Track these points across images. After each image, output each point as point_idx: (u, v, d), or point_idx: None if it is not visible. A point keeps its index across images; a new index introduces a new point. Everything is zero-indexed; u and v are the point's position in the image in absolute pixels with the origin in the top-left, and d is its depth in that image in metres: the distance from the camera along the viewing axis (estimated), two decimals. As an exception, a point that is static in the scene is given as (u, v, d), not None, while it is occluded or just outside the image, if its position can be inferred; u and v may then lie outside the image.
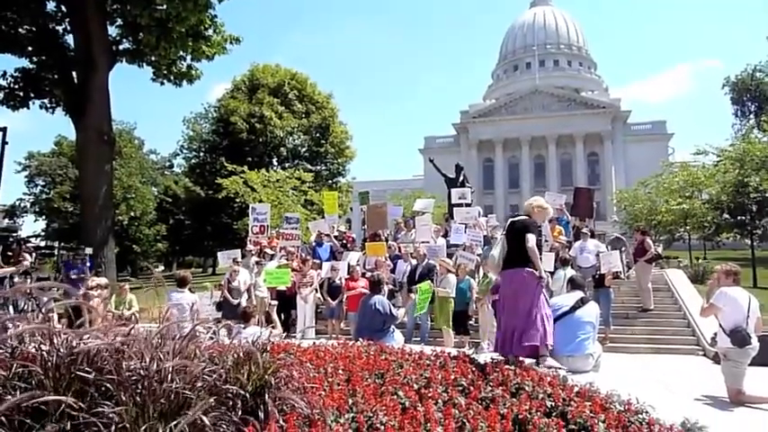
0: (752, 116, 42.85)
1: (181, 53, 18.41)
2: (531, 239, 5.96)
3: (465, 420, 3.07)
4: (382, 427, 2.87)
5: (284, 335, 9.19)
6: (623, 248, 14.41)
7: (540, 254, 6.16)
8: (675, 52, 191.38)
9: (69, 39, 18.33)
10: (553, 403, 3.49)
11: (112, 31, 18.29)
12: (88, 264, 14.42)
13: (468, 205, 15.18)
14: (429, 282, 10.59)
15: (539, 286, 5.91)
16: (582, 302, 6.71)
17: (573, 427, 3.10)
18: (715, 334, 6.22)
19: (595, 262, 11.89)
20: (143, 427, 2.45)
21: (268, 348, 3.48)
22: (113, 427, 2.44)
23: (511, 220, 6.48)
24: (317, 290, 11.70)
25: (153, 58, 18.31)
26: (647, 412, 3.40)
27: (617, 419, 3.16)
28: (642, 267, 12.88)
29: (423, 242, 13.05)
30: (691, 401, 5.56)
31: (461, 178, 17.92)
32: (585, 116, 68.48)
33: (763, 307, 8.29)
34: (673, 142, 68.54)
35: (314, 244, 14.23)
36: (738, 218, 19.27)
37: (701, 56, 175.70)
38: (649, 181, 31.49)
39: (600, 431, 2.98)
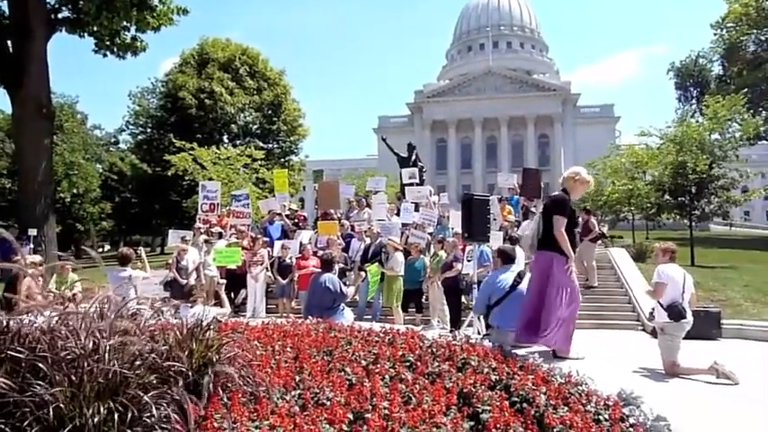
0: (694, 101, 44.40)
1: (124, 23, 17.63)
2: (557, 223, 5.64)
3: (411, 395, 3.11)
4: (328, 403, 2.87)
5: (233, 313, 9.09)
6: None
7: (573, 236, 5.80)
8: (625, 37, 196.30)
9: (3, 5, 17.29)
10: (497, 377, 3.57)
11: (51, -1, 17.34)
12: (30, 245, 13.87)
13: (419, 184, 15.26)
14: (377, 264, 10.65)
15: (567, 274, 5.71)
16: (520, 277, 6.85)
17: (515, 399, 3.18)
18: (653, 309, 6.48)
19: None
20: (86, 409, 2.38)
21: (213, 326, 3.43)
22: (47, 408, 2.35)
23: (548, 196, 6.15)
24: (267, 269, 11.59)
25: (94, 29, 17.45)
26: (586, 384, 3.52)
27: (557, 391, 3.25)
28: (586, 246, 13.27)
29: (378, 220, 13.10)
30: (628, 373, 5.79)
31: (414, 157, 17.98)
32: (537, 98, 69.69)
33: (698, 284, 8.71)
34: (621, 125, 70.80)
35: (265, 223, 14.05)
36: (678, 199, 20.01)
37: (651, 41, 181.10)
38: (597, 162, 32.34)
39: (541, 402, 3.05)
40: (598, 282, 13.22)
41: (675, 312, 5.92)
